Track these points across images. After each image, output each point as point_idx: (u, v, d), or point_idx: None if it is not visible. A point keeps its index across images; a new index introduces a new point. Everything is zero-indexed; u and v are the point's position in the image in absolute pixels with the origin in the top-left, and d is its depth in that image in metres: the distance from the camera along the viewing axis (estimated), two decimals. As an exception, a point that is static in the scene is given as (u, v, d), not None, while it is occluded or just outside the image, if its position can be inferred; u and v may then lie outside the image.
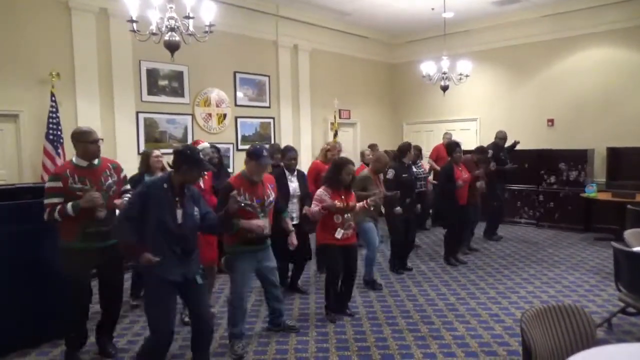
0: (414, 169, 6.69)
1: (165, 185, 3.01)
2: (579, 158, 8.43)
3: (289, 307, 4.74)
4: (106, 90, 6.75)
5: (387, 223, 5.94)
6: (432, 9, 8.70)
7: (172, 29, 4.56)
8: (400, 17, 9.41)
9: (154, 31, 4.62)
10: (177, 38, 4.60)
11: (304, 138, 9.44)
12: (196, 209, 3.13)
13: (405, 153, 6.00)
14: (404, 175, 5.82)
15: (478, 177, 6.56)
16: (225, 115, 8.23)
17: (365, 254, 5.37)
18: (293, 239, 4.16)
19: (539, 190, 8.83)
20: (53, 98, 6.02)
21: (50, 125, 5.98)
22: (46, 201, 3.38)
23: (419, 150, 7.81)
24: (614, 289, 4.46)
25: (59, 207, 3.33)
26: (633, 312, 4.08)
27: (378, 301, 4.93)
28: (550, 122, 9.20)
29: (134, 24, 4.55)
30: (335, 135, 9.39)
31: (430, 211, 8.36)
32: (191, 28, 4.62)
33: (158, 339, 3.05)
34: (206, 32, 4.69)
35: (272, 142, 8.79)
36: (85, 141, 3.47)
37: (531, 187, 8.91)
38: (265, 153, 3.72)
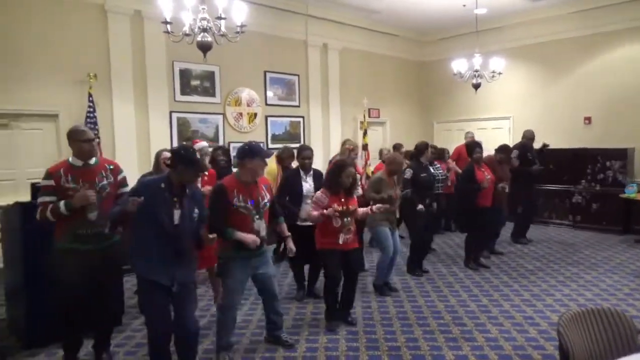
0: (432, 170, 6.60)
1: (162, 185, 2.96)
2: (618, 157, 8.13)
3: (302, 312, 4.70)
4: (141, 90, 6.92)
5: (406, 225, 5.81)
6: (464, 5, 8.56)
7: (204, 30, 4.64)
8: (431, 14, 9.29)
9: (187, 32, 4.71)
10: (209, 39, 4.67)
11: (334, 137, 9.44)
12: (196, 210, 3.08)
13: (423, 152, 5.86)
14: (422, 175, 5.65)
15: (501, 178, 6.34)
16: (255, 115, 8.31)
17: (379, 257, 5.21)
18: (291, 244, 3.97)
19: (575, 190, 8.56)
20: (90, 98, 6.21)
21: (88, 125, 6.15)
22: (39, 200, 3.29)
23: (441, 151, 7.64)
24: (656, 293, 4.29)
25: (51, 205, 3.21)
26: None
27: (409, 301, 4.89)
28: (587, 120, 8.91)
29: (168, 26, 4.65)
30: (365, 134, 9.35)
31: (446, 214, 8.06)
32: (223, 29, 4.68)
33: (154, 338, 3.02)
34: (237, 32, 4.75)
35: (302, 141, 8.84)
36: (79, 140, 3.36)
37: (567, 187, 8.65)
38: (264, 147, 3.58)
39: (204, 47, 4.68)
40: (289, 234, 4.01)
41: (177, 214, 2.95)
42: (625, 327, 2.34)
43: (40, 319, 3.81)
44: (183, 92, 7.42)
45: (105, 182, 3.40)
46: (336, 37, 9.35)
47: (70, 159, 3.40)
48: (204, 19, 4.65)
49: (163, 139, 7.14)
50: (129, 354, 3.78)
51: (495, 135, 9.61)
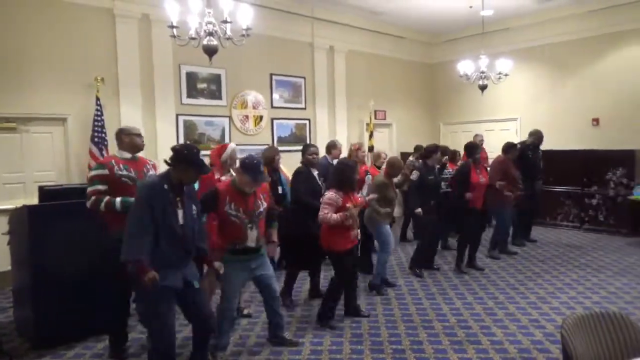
0: (445, 171, 6.64)
1: (165, 187, 2.91)
2: (627, 159, 8.06)
3: (306, 315, 4.69)
4: (148, 93, 6.96)
5: (414, 225, 5.84)
6: (470, 6, 8.53)
7: (210, 34, 4.66)
8: (437, 16, 9.28)
9: (193, 36, 4.74)
10: (215, 42, 4.70)
11: (340, 139, 9.32)
12: (194, 207, 3.07)
13: (431, 155, 5.87)
14: (429, 178, 5.70)
15: (515, 179, 6.38)
16: (261, 117, 8.34)
17: (378, 255, 5.25)
18: (273, 251, 3.94)
19: (583, 192, 8.50)
20: (98, 102, 6.27)
21: (96, 129, 6.23)
22: (91, 188, 3.52)
23: (453, 153, 7.60)
24: (663, 297, 4.25)
25: (106, 198, 3.47)
26: (685, 321, 3.88)
27: (414, 304, 4.88)
28: (595, 121, 8.84)
29: (174, 30, 4.69)
30: (371, 136, 9.35)
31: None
32: (229, 32, 4.71)
33: (162, 351, 2.98)
34: (243, 35, 4.78)
35: (308, 142, 8.83)
36: (133, 134, 3.79)
37: (575, 188, 8.58)
38: (262, 169, 3.51)
39: (210, 51, 4.71)
40: (277, 241, 3.95)
41: (180, 213, 2.95)
42: (630, 331, 2.32)
43: (48, 321, 3.86)
44: (189, 95, 7.47)
45: (152, 172, 3.80)
46: (342, 39, 9.36)
47: (117, 153, 3.78)
48: (209, 22, 4.68)
49: (170, 142, 7.14)
50: (134, 356, 3.82)
51: (502, 137, 9.52)
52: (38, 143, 6.17)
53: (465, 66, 7.97)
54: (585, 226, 8.43)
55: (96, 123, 6.23)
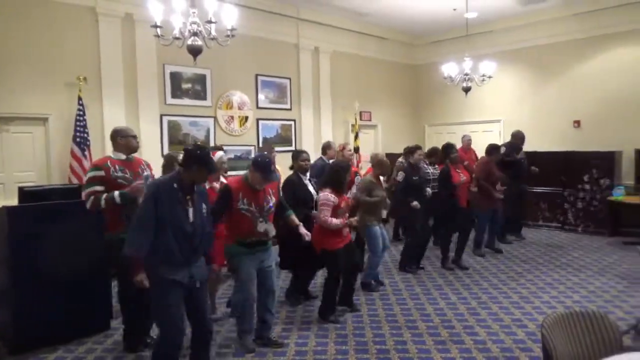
0: (425, 171, 6.72)
1: (175, 185, 2.99)
2: (607, 160, 8.22)
3: (291, 316, 4.71)
4: (131, 93, 6.89)
5: (402, 225, 5.96)
6: (454, 9, 8.62)
7: (194, 34, 4.64)
8: (421, 18, 9.35)
9: (177, 36, 4.70)
10: (200, 42, 4.67)
11: (325, 140, 9.35)
12: (204, 206, 3.14)
13: (412, 153, 6.14)
14: (414, 178, 5.91)
15: (498, 179, 6.60)
16: (247, 118, 8.31)
17: (369, 258, 5.37)
18: (303, 230, 4.05)
19: (564, 193, 8.64)
20: (80, 102, 6.18)
21: (78, 128, 6.15)
22: (87, 190, 3.60)
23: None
24: (641, 295, 4.34)
25: (105, 195, 3.54)
26: (661, 319, 3.96)
27: (398, 304, 4.91)
28: (577, 123, 9.00)
29: (158, 29, 4.65)
30: (356, 137, 9.39)
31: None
32: (213, 32, 4.69)
33: (170, 340, 3.02)
34: (228, 36, 4.76)
35: (293, 144, 8.85)
36: (129, 135, 3.85)
37: (556, 189, 8.73)
38: (272, 168, 3.68)
39: (194, 51, 4.68)
40: (299, 223, 4.09)
41: (190, 212, 3.02)
42: (608, 329, 2.37)
43: (28, 323, 3.79)
44: (174, 96, 7.41)
45: (147, 172, 3.83)
46: (328, 40, 9.38)
47: (112, 154, 3.83)
48: (194, 22, 4.65)
49: (154, 143, 7.12)
50: (117, 359, 3.77)
51: (486, 138, 9.64)
52: (18, 143, 6.07)
53: (449, 68, 8.04)
54: (567, 226, 8.57)
55: (78, 123, 6.15)
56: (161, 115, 7.25)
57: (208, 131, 7.80)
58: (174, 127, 7.41)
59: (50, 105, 6.20)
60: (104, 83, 6.61)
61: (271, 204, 3.76)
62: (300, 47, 9.00)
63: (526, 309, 4.72)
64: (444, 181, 6.19)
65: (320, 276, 5.35)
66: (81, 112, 6.18)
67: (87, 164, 6.12)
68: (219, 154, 4.43)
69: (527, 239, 7.95)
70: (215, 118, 7.89)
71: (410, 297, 5.12)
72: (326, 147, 6.49)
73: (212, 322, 3.43)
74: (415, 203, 5.74)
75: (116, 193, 3.56)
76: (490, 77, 7.94)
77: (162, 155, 6.84)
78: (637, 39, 8.23)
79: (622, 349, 2.32)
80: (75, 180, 5.98)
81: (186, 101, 7.56)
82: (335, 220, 4.25)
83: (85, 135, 6.19)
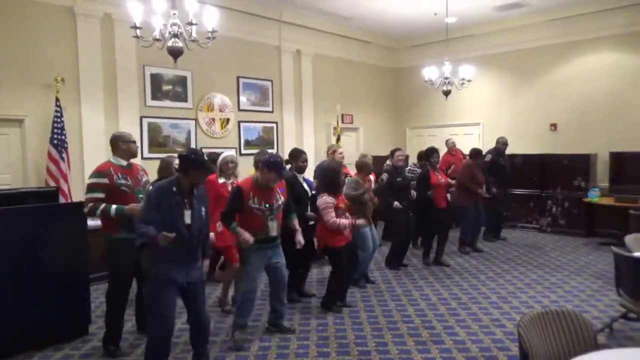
0: (408, 174, 6.93)
1: (174, 189, 3.12)
2: (582, 163, 8.42)
3: (291, 312, 4.75)
4: (110, 95, 6.80)
5: (386, 225, 6.06)
6: (435, 14, 8.72)
7: (175, 35, 4.59)
8: (402, 22, 9.44)
9: (157, 37, 4.66)
10: (180, 44, 4.62)
11: (307, 142, 9.45)
12: (203, 208, 3.26)
13: (392, 154, 6.51)
14: (397, 180, 6.09)
15: (481, 182, 6.84)
16: (228, 120, 8.27)
17: (360, 255, 5.42)
18: (300, 238, 4.26)
19: (541, 194, 8.81)
20: (58, 103, 6.07)
21: (55, 130, 6.04)
22: (89, 195, 3.65)
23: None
24: (616, 294, 4.44)
25: (102, 205, 3.59)
26: (634, 317, 4.07)
27: (379, 305, 4.94)
28: (553, 126, 9.18)
29: (138, 30, 4.60)
30: (338, 139, 9.41)
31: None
32: (194, 34, 4.64)
33: (159, 339, 3.16)
34: (209, 38, 4.73)
35: (275, 147, 8.84)
36: (129, 141, 3.86)
37: (534, 191, 8.90)
38: (284, 165, 3.91)
39: (175, 53, 4.63)
40: (299, 228, 4.31)
41: (187, 214, 3.14)
42: (583, 328, 2.42)
43: (2, 329, 3.70)
44: (154, 97, 7.33)
45: (146, 178, 3.94)
46: (310, 43, 9.40)
47: (112, 160, 3.81)
48: (174, 24, 4.60)
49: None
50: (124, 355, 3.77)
51: (466, 141, 9.81)
52: (-7, 145, 5.94)
53: (429, 72, 8.12)
54: (544, 227, 8.74)
55: (56, 125, 6.04)
56: (141, 117, 7.17)
57: (189, 133, 7.74)
58: (154, 129, 7.34)
59: (26, 107, 6.07)
60: (82, 84, 6.51)
61: (280, 202, 3.97)
62: (282, 49, 8.99)
63: (504, 309, 4.80)
64: (422, 181, 6.43)
65: (316, 274, 5.49)
66: (59, 114, 6.07)
67: (64, 167, 6.03)
68: (225, 153, 4.72)
69: (507, 240, 8.08)
70: (196, 120, 7.83)
71: (392, 299, 5.16)
72: (331, 150, 6.50)
73: (227, 313, 4.10)
74: (396, 203, 5.92)
75: (113, 207, 3.61)
76: (469, 80, 8.05)
77: (142, 157, 6.80)
78: (611, 45, 8.45)
79: (597, 347, 2.38)
80: (52, 183, 5.88)
81: (167, 103, 7.49)
82: (343, 221, 4.55)
83: (63, 137, 6.09)
